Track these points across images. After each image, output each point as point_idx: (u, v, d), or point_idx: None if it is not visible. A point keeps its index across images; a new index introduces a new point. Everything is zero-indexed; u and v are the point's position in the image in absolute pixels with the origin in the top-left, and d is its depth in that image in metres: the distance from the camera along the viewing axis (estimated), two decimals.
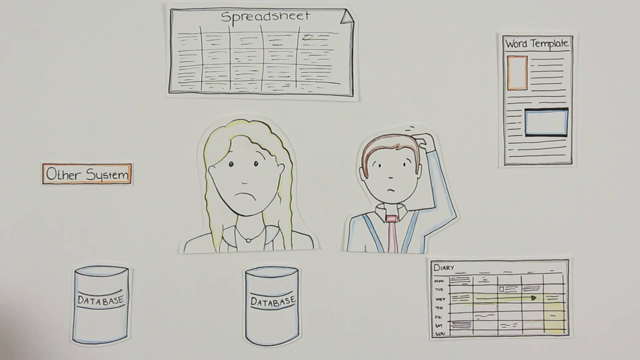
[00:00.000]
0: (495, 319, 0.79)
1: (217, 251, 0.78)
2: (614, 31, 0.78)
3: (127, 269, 0.78)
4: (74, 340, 0.78)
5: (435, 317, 0.79)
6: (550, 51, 0.78)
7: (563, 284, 0.79)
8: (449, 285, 0.79)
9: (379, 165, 0.78)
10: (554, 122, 0.78)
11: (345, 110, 0.78)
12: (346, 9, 0.77)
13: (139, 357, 0.78)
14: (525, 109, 0.78)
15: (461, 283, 0.79)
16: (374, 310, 0.79)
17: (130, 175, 0.77)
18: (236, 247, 0.78)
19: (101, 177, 0.77)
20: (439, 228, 0.79)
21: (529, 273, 0.79)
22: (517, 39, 0.77)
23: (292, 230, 0.78)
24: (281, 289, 0.78)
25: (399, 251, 0.79)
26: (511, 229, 0.79)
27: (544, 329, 0.80)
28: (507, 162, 0.78)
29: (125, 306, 0.78)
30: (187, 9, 0.76)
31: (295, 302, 0.79)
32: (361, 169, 0.78)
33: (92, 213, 0.77)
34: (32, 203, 0.77)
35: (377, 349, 0.79)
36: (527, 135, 0.78)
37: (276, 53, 0.77)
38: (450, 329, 0.79)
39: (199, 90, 0.77)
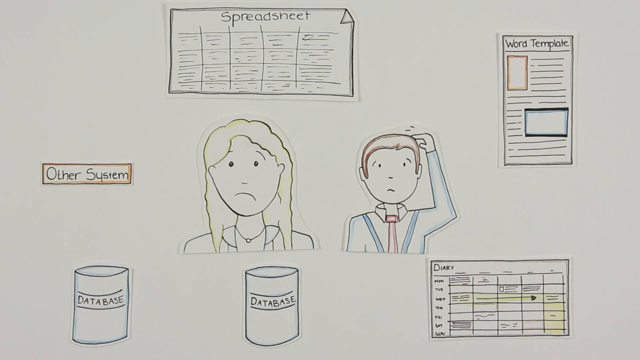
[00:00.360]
0: (495, 319, 0.79)
1: (217, 251, 0.78)
2: (614, 31, 0.78)
3: (127, 269, 0.78)
4: (74, 340, 0.78)
5: (435, 317, 0.79)
6: (550, 51, 0.78)
7: (563, 284, 0.79)
8: (449, 285, 0.79)
9: (379, 165, 0.78)
10: (554, 122, 0.78)
11: (345, 110, 0.78)
12: (346, 9, 0.77)
13: (139, 357, 0.78)
14: (525, 109, 0.78)
15: (461, 283, 0.79)
16: (374, 310, 0.79)
17: (130, 175, 0.77)
18: (236, 247, 0.78)
19: (101, 177, 0.77)
20: (439, 228, 0.79)
21: (529, 273, 0.79)
22: (517, 39, 0.77)
23: (292, 230, 0.78)
24: (281, 289, 0.78)
25: (399, 251, 0.79)
26: (511, 229, 0.79)
27: (544, 329, 0.80)
28: (507, 162, 0.78)
29: (125, 306, 0.78)
30: (187, 9, 0.76)
31: (295, 302, 0.79)
32: (361, 169, 0.78)
33: (92, 213, 0.77)
34: (32, 203, 0.77)
35: (377, 349, 0.79)
36: (527, 135, 0.78)
37: (276, 53, 0.77)
38: (450, 329, 0.79)
39: (199, 90, 0.77)
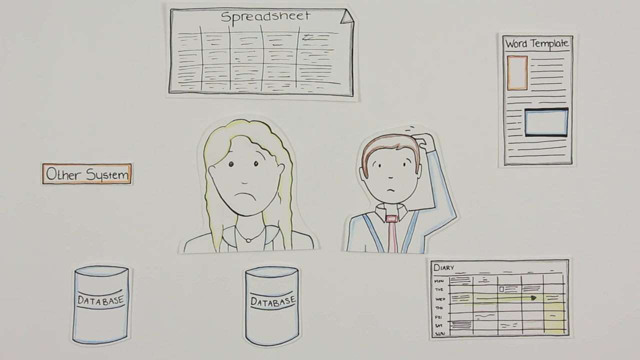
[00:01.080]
0: (495, 319, 0.79)
1: (217, 251, 0.78)
2: (614, 31, 0.78)
3: (127, 269, 0.78)
4: (74, 340, 0.78)
5: (435, 317, 0.79)
6: (550, 51, 0.78)
7: (563, 284, 0.79)
8: (449, 285, 0.79)
9: (379, 165, 0.78)
10: (554, 122, 0.78)
11: (345, 110, 0.78)
12: (346, 9, 0.77)
13: (139, 357, 0.78)
14: (525, 109, 0.78)
15: (461, 283, 0.79)
16: (374, 310, 0.79)
17: (130, 175, 0.77)
18: (236, 247, 0.78)
19: (101, 177, 0.77)
20: (439, 228, 0.79)
21: (529, 273, 0.79)
22: (517, 39, 0.77)
23: (292, 230, 0.78)
24: (281, 289, 0.78)
25: (399, 251, 0.79)
26: (511, 229, 0.79)
27: (544, 329, 0.80)
28: (507, 162, 0.78)
29: (125, 306, 0.78)
30: (187, 9, 0.76)
31: (295, 302, 0.79)
32: (361, 169, 0.78)
33: (92, 213, 0.77)
34: (32, 203, 0.77)
35: (377, 349, 0.79)
36: (527, 135, 0.78)
37: (276, 53, 0.77)
38: (450, 329, 0.79)
39: (199, 90, 0.77)
